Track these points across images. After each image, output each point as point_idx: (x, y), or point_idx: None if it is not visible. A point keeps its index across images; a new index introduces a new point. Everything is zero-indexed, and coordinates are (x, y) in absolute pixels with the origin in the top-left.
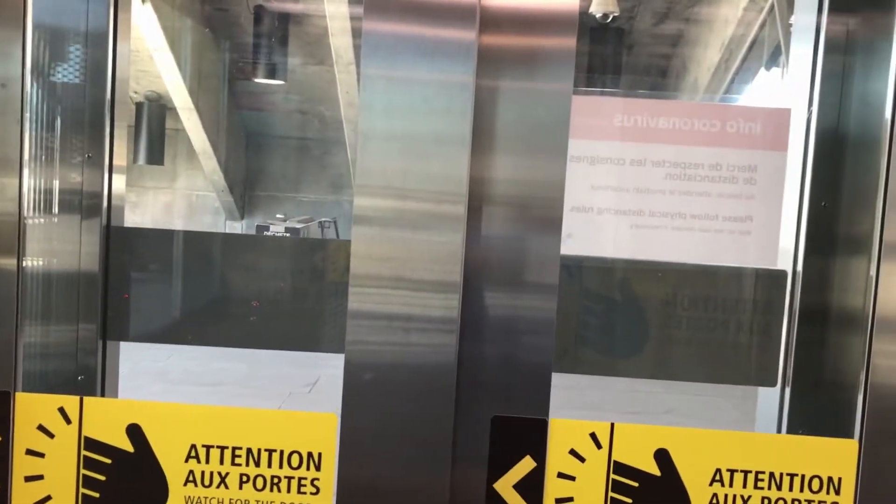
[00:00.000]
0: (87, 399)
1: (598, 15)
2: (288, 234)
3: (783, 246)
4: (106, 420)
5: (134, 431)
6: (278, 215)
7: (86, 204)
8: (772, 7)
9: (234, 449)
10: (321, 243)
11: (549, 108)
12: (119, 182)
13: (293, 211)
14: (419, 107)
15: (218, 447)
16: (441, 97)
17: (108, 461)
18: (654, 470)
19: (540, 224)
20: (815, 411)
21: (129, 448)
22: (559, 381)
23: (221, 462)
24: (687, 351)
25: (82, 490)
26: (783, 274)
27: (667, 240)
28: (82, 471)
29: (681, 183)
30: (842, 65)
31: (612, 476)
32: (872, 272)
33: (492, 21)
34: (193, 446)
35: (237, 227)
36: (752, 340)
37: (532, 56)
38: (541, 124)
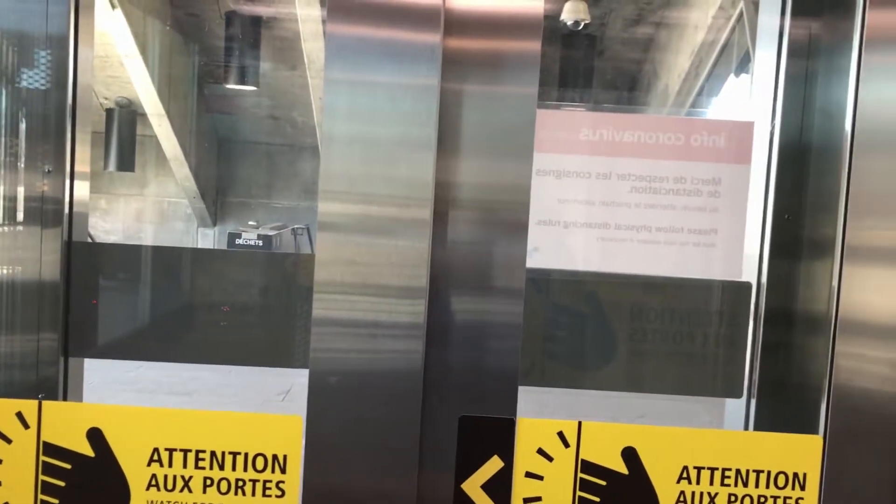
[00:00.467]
0: (45, 403)
1: (570, 22)
2: (260, 242)
3: (749, 252)
4: (65, 424)
5: (95, 435)
6: (250, 222)
7: (47, 212)
8: (741, 14)
9: (197, 452)
10: (285, 257)
11: (514, 111)
12: (82, 190)
13: (266, 217)
14: (384, 110)
15: (181, 450)
16: (406, 100)
17: (68, 466)
18: (622, 468)
19: (506, 227)
20: (780, 415)
21: (90, 453)
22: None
23: (185, 465)
24: (653, 363)
25: (41, 496)
26: (748, 286)
27: (633, 253)
28: (41, 476)
29: (646, 196)
30: (805, 70)
31: (580, 475)
32: (835, 282)
33: (457, 24)
34: (156, 450)
35: (209, 234)
36: (718, 352)
37: (498, 59)
38: (507, 127)
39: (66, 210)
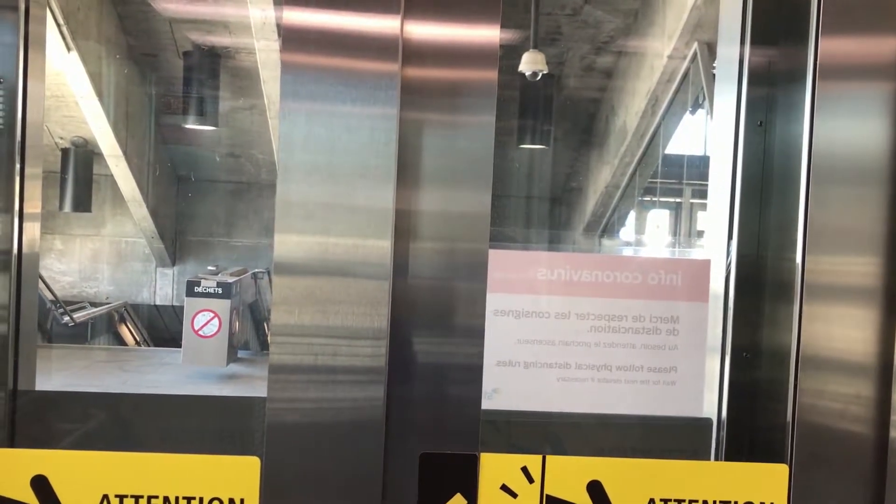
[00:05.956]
0: None
1: (528, 73)
2: (220, 290)
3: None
4: (8, 472)
5: (39, 483)
6: (210, 267)
7: None
8: (695, 55)
9: (149, 498)
10: (234, 401)
11: (473, 140)
12: (32, 231)
13: (226, 255)
14: (342, 140)
15: (132, 497)
16: (364, 130)
17: None
18: (588, 503)
19: (465, 258)
20: None
21: (34, 502)
22: None
23: None
24: None
25: None
26: (708, 422)
27: (593, 392)
28: None
29: (605, 335)
30: (765, 102)
31: None
32: (795, 318)
33: (415, 54)
34: (105, 497)
35: (168, 274)
36: None
37: (456, 88)
38: (466, 156)
39: (15, 251)
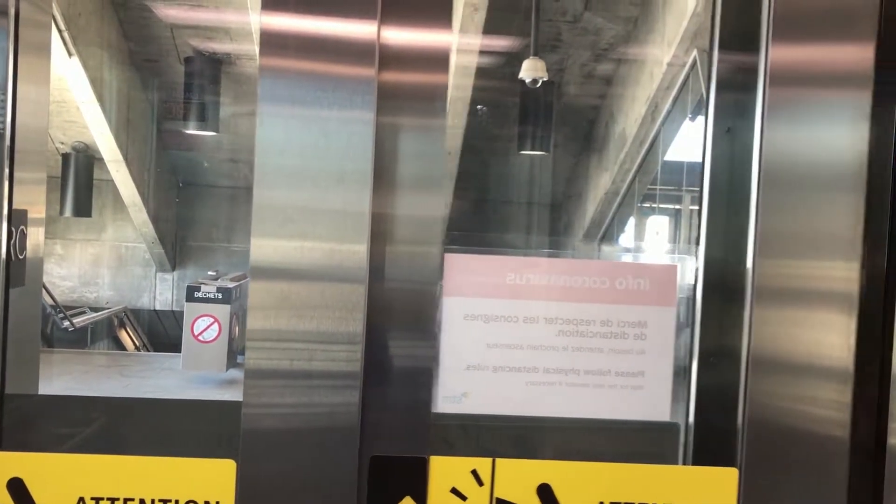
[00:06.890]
0: None
1: (528, 80)
2: (220, 295)
3: None
4: None
5: (15, 486)
6: (210, 272)
7: None
8: (694, 62)
9: (125, 500)
10: (211, 405)
11: (427, 142)
12: (36, 236)
13: (226, 260)
14: (319, 145)
15: (108, 499)
16: (341, 134)
17: None
18: None
19: (420, 260)
20: None
21: None
22: None
23: None
24: None
25: None
26: (676, 427)
27: (561, 396)
28: None
29: (573, 339)
30: (736, 105)
31: None
32: (746, 321)
33: (392, 58)
34: (81, 499)
35: (168, 279)
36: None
37: (414, 92)
38: (421, 159)
39: (3, 255)
